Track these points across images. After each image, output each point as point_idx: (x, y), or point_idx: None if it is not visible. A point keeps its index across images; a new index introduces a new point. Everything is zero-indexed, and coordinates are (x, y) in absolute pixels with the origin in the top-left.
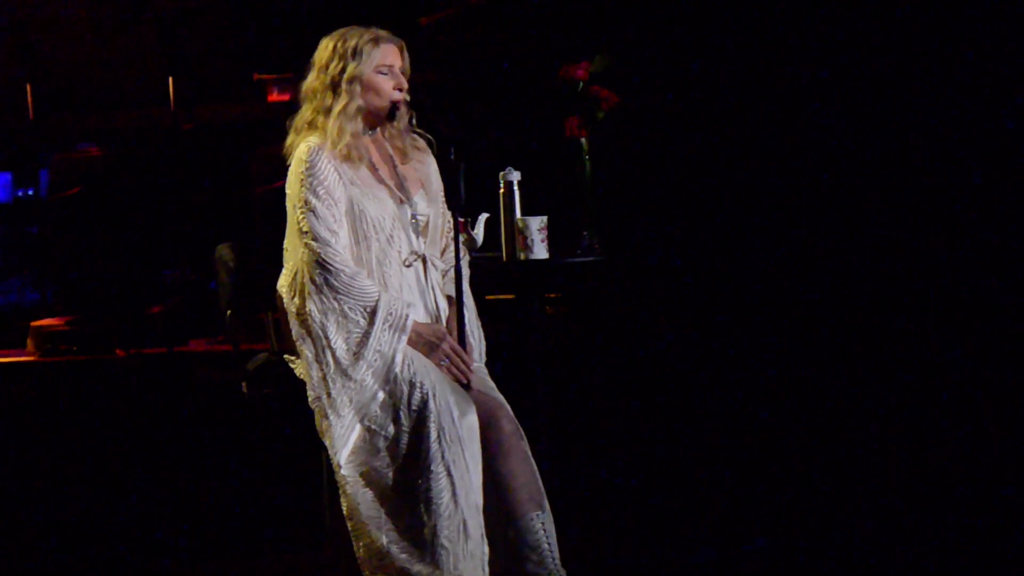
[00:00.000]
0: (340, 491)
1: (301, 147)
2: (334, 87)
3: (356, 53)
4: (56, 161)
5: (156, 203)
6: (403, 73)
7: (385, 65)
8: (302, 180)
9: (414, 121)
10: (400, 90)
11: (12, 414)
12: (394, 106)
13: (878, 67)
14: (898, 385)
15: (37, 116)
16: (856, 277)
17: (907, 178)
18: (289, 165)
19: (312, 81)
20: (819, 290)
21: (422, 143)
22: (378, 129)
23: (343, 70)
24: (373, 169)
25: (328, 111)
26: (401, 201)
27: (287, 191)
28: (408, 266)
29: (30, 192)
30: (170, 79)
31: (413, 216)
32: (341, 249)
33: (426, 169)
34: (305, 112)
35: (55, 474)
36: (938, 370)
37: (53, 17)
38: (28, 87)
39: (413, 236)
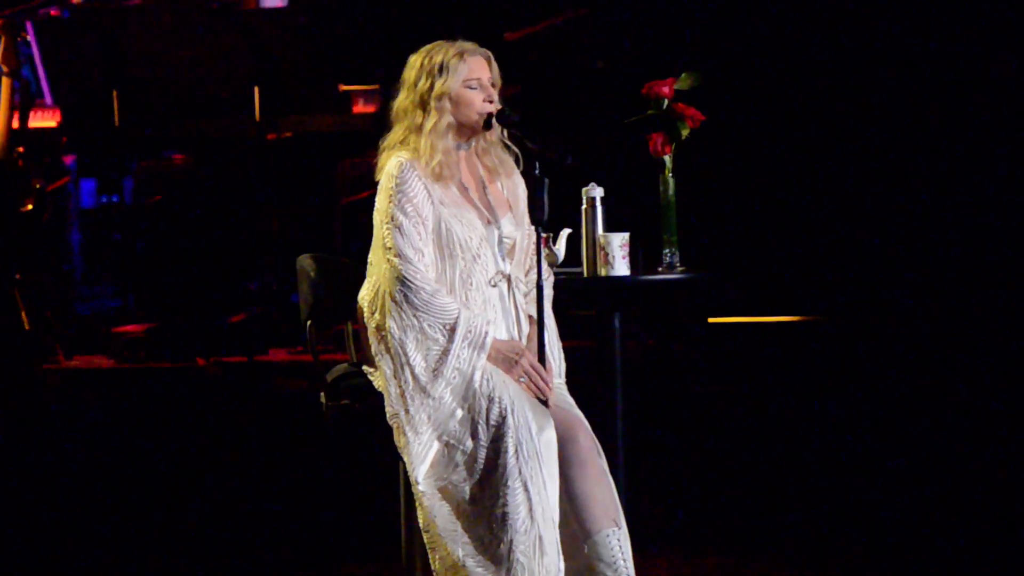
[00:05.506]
0: (416, 503)
1: (392, 161)
2: (423, 105)
3: (443, 69)
4: (141, 169)
5: (240, 212)
6: (492, 84)
7: (473, 79)
8: (391, 196)
9: (505, 134)
10: (490, 102)
11: (92, 421)
12: (489, 116)
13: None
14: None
15: (123, 123)
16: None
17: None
18: (378, 181)
19: (402, 100)
20: (910, 295)
21: (510, 161)
22: (472, 143)
23: (431, 87)
24: (463, 189)
25: (419, 129)
26: (488, 222)
27: (376, 205)
28: (493, 286)
29: (115, 199)
30: (256, 89)
31: (500, 238)
32: (423, 267)
33: (515, 190)
34: (397, 132)
35: (132, 480)
36: None
37: (140, 25)
38: (115, 94)
39: (499, 257)
